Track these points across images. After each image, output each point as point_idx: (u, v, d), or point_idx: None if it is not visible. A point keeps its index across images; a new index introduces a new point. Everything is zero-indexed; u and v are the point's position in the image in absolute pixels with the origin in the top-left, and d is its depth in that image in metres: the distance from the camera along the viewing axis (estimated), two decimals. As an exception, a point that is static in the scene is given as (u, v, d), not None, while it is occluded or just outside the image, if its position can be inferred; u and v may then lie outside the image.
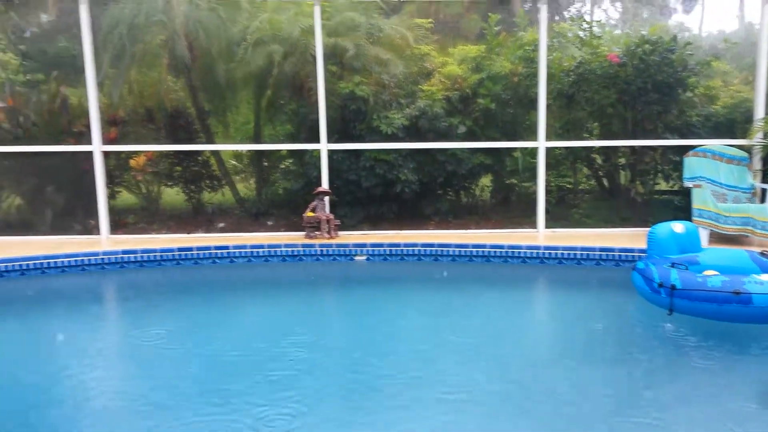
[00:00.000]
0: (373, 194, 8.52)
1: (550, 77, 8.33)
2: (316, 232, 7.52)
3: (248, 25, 8.94)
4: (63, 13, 9.93)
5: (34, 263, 6.43)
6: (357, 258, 7.09)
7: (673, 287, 4.40)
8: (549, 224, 8.09)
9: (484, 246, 6.94)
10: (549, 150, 8.36)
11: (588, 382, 3.57)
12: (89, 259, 6.65)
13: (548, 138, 8.02)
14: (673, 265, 4.59)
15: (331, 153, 8.15)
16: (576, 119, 8.81)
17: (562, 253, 6.73)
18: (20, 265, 6.35)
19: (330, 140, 8.04)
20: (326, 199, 7.78)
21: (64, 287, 6.21)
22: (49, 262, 6.48)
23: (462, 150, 8.57)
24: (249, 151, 10.20)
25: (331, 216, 7.60)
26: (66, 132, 8.80)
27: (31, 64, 10.17)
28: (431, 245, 7.04)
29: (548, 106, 8.11)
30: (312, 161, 8.44)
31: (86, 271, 6.59)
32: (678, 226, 5.03)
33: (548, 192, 8.44)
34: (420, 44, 9.56)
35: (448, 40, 10.51)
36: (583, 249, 6.69)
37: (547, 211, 8.13)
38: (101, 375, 3.84)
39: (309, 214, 7.57)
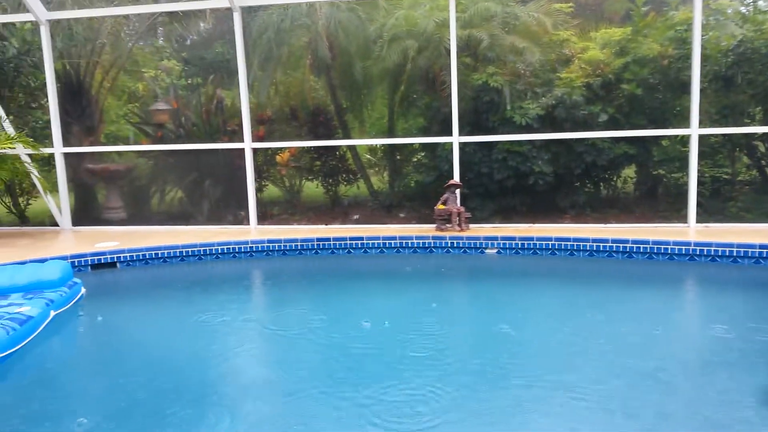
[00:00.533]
0: (506, 186, 8.37)
1: (705, 58, 7.61)
2: (447, 225, 7.56)
3: (385, 23, 9.17)
4: (219, 21, 10.88)
5: (193, 250, 7.14)
6: (488, 251, 7.02)
7: None
8: (701, 218, 7.41)
9: (625, 241, 6.53)
10: (703, 138, 7.64)
11: (738, 394, 3.24)
12: (239, 247, 7.25)
13: (702, 125, 7.34)
14: None
15: (463, 146, 8.13)
16: (735, 103, 7.97)
17: (716, 250, 6.14)
18: (181, 252, 7.09)
19: (462, 133, 8.02)
20: (457, 191, 7.78)
21: (218, 272, 6.83)
22: (205, 250, 7.17)
23: (603, 140, 8.12)
24: (383, 145, 10.48)
25: (462, 209, 7.58)
26: (221, 131, 9.65)
27: (191, 70, 11.29)
28: (566, 239, 6.77)
29: (702, 90, 7.42)
30: (443, 154, 8.48)
31: (237, 258, 7.19)
32: None
33: (701, 183, 7.74)
34: (559, 30, 9.18)
35: (589, 24, 9.95)
36: (740, 246, 6.05)
37: (700, 205, 7.45)
38: (246, 352, 4.20)
39: (440, 206, 7.62)
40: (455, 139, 7.92)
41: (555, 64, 8.95)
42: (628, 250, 6.50)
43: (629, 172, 9.17)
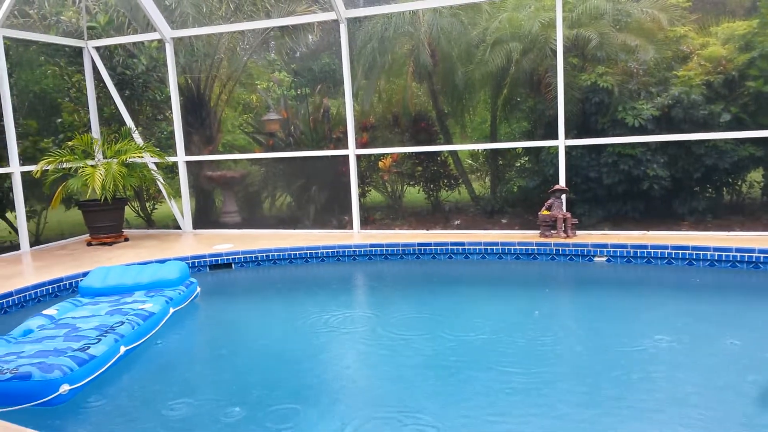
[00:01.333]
0: (616, 192, 8.00)
1: None
2: (552, 231, 7.33)
3: (488, 26, 9.09)
4: (326, 33, 11.31)
5: (300, 253, 7.45)
6: (597, 259, 6.73)
7: None
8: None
9: (752, 250, 6.02)
10: None
11: None
12: (343, 251, 7.47)
13: None
14: None
15: (570, 149, 7.86)
16: None
17: None
18: (289, 254, 7.42)
19: (569, 136, 7.76)
20: (563, 197, 7.53)
21: (323, 274, 7.08)
22: (311, 252, 7.45)
23: (726, 141, 7.54)
24: (485, 150, 10.37)
25: (569, 214, 7.33)
26: (327, 138, 10.00)
27: (299, 81, 11.80)
28: (684, 248, 6.34)
29: None
30: (548, 158, 8.25)
31: (341, 261, 7.41)
32: None
33: None
34: (675, 26, 8.65)
35: (709, 18, 9.29)
36: None
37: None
38: (342, 350, 4.33)
39: (544, 212, 7.41)
40: (561, 142, 7.68)
41: (671, 61, 8.44)
42: (754, 260, 5.98)
43: (756, 175, 8.44)
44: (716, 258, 6.18)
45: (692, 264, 6.28)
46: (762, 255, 5.96)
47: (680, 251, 6.35)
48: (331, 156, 9.44)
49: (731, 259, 6.10)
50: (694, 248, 6.29)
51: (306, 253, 7.45)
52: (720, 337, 4.23)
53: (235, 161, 10.80)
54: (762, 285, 5.71)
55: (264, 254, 7.35)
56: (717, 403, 3.18)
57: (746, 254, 6.04)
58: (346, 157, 8.70)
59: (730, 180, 8.27)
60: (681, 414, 3.07)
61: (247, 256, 7.30)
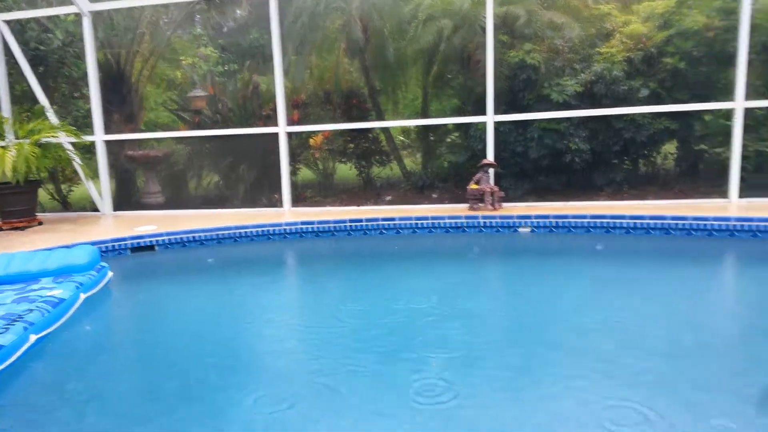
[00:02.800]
0: (540, 165, 8.23)
1: (754, 29, 7.25)
2: (480, 204, 7.48)
3: (420, 2, 9.07)
4: (254, 8, 10.99)
5: (229, 233, 7.27)
6: (521, 230, 6.92)
7: None
8: (744, 194, 7.12)
9: (664, 218, 6.34)
10: (748, 111, 7.32)
11: (747, 370, 3.11)
12: (273, 229, 7.35)
13: (748, 97, 7.03)
14: None
15: (498, 125, 8.00)
16: (785, 74, 7.58)
17: (758, 225, 5.89)
18: (217, 235, 7.23)
19: (497, 112, 7.89)
20: (491, 171, 7.68)
21: (253, 253, 6.95)
22: (240, 232, 7.30)
23: (643, 115, 7.87)
24: (416, 126, 10.42)
25: (496, 188, 7.49)
26: (256, 116, 9.78)
27: (227, 56, 11.45)
28: (602, 216, 6.61)
29: (749, 62, 7.08)
30: (477, 134, 8.38)
31: (271, 240, 7.30)
32: None
33: (745, 158, 7.42)
34: (600, 4, 8.91)
35: (631, -3, 9.63)
36: (786, 221, 5.81)
37: (743, 180, 7.15)
38: (276, 327, 4.28)
39: (473, 186, 7.54)
40: (490, 118, 7.81)
41: (595, 39, 8.71)
42: (666, 226, 6.31)
43: (670, 148, 8.88)
44: (632, 226, 6.47)
45: (609, 232, 6.56)
46: (672, 222, 6.29)
47: (599, 220, 6.62)
48: (261, 134, 9.24)
49: (645, 226, 6.41)
50: (612, 217, 6.57)
51: (235, 233, 7.29)
52: (630, 296, 4.46)
53: (158, 140, 10.41)
54: (671, 249, 6.04)
55: (190, 235, 7.14)
56: (637, 351, 3.34)
57: (659, 221, 6.35)
58: (277, 134, 8.53)
59: (646, 152, 8.66)
60: (604, 369, 3.20)
61: (172, 237, 7.07)
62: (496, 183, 7.80)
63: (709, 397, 2.81)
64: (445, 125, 9.76)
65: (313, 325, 4.28)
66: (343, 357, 3.54)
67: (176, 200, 10.00)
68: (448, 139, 9.90)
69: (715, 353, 3.40)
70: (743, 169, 7.26)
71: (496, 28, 7.87)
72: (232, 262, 6.61)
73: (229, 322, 4.40)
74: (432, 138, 10.16)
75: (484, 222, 7.06)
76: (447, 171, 9.42)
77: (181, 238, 7.10)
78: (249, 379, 3.30)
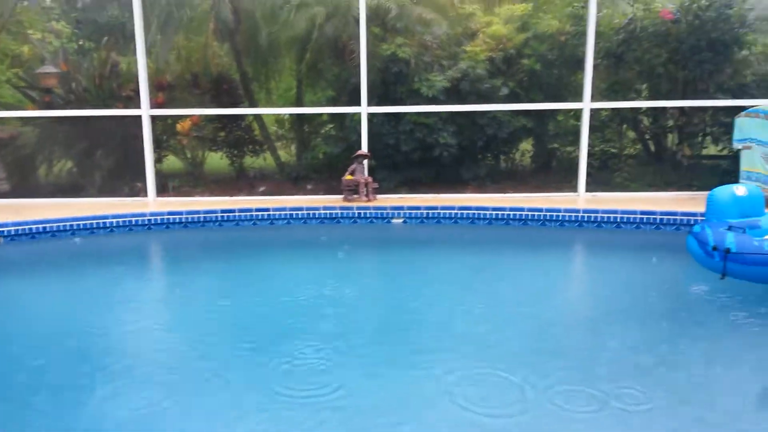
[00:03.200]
0: (412, 158, 8.50)
1: (599, 35, 8.05)
2: (355, 195, 7.58)
3: (293, -13, 8.94)
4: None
5: (84, 224, 6.72)
6: (394, 221, 7.13)
7: (728, 251, 4.23)
8: (590, 188, 7.91)
9: (521, 209, 6.85)
10: (594, 112, 8.11)
11: (618, 341, 3.52)
12: (136, 220, 6.92)
13: (594, 99, 7.78)
14: (730, 228, 4.41)
15: (371, 117, 8.14)
16: (624, 80, 8.48)
17: (602, 217, 6.58)
18: (71, 225, 6.66)
19: (370, 104, 8.02)
20: (365, 162, 7.80)
21: (112, 246, 6.49)
22: (98, 223, 6.78)
23: (504, 113, 8.41)
24: (290, 116, 10.29)
25: (370, 179, 7.63)
26: (115, 97, 9.08)
27: (82, 32, 10.48)
28: (468, 208, 7.00)
29: (595, 66, 7.83)
30: (352, 125, 8.47)
31: (133, 231, 6.86)
32: (740, 189, 4.72)
33: (591, 155, 8.23)
34: (465, 3, 9.36)
35: None
36: (623, 212, 6.53)
37: (589, 175, 7.93)
38: (142, 326, 4.04)
39: (348, 177, 7.62)
40: (363, 109, 7.91)
41: (461, 37, 9.13)
42: (523, 217, 6.83)
43: (527, 146, 9.59)
44: (494, 217, 6.92)
45: (474, 223, 6.96)
46: (529, 213, 6.82)
47: (465, 211, 7.00)
48: (121, 117, 8.61)
49: (505, 217, 6.89)
50: (477, 208, 6.98)
51: (92, 224, 6.75)
52: (492, 281, 4.79)
53: (1, 120, 9.32)
54: (522, 237, 6.56)
55: (40, 226, 6.51)
56: (492, 326, 3.59)
57: (517, 212, 6.86)
58: (139, 118, 8.01)
59: (506, 149, 9.29)
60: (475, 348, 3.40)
61: (18, 228, 6.40)
62: (370, 175, 7.95)
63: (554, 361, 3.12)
64: (320, 116, 9.74)
65: (176, 321, 4.11)
66: (212, 350, 3.45)
67: (23, 188, 9.00)
68: (323, 131, 9.89)
69: (563, 326, 3.76)
70: (590, 165, 8.04)
71: (369, 20, 7.98)
72: (88, 255, 6.12)
73: (80, 320, 4.07)
74: (307, 129, 10.09)
75: (359, 213, 7.17)
76: (322, 162, 9.41)
77: (30, 229, 6.46)
78: (102, 374, 3.10)
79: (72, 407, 2.81)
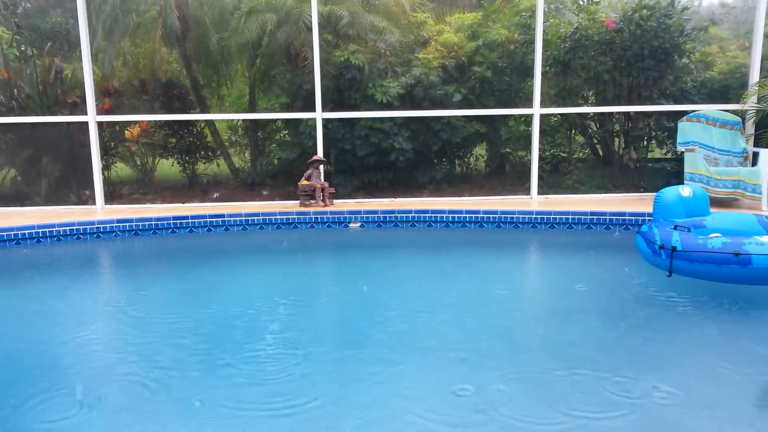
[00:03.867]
0: (368, 163, 8.53)
1: (547, 44, 8.29)
2: (311, 201, 7.54)
3: (242, -7, 8.87)
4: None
5: (30, 232, 6.46)
6: (351, 225, 7.12)
7: (674, 249, 4.39)
8: (542, 191, 8.11)
9: (477, 212, 6.96)
10: (544, 118, 8.34)
11: (573, 336, 3.62)
12: (84, 228, 6.68)
13: (543, 105, 8.00)
14: (675, 227, 4.59)
15: (326, 122, 8.13)
16: (571, 86, 8.76)
17: (554, 218, 6.76)
18: (15, 234, 6.39)
19: (325, 109, 8.01)
20: (321, 167, 7.78)
21: (59, 255, 6.24)
22: (44, 231, 6.52)
23: (457, 118, 8.55)
24: (244, 123, 10.17)
25: (326, 184, 7.61)
26: (60, 103, 8.77)
27: (24, 38, 10.10)
28: (425, 211, 7.07)
29: (544, 74, 8.07)
30: (307, 131, 8.44)
31: (81, 240, 6.63)
32: (686, 190, 4.93)
33: (542, 159, 8.46)
34: (417, 12, 9.49)
35: (444, 8, 10.41)
36: (574, 213, 6.73)
37: (541, 178, 8.14)
38: (96, 338, 3.90)
39: (304, 182, 7.58)
40: (318, 115, 7.90)
41: (413, 45, 9.25)
42: (479, 220, 6.95)
43: (480, 150, 9.76)
44: (450, 219, 7.01)
45: (431, 225, 7.03)
46: (485, 215, 6.94)
47: (422, 214, 7.07)
48: (67, 123, 8.32)
49: (462, 220, 6.99)
50: (433, 211, 7.06)
51: (37, 233, 6.49)
52: (448, 283, 4.85)
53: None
54: (483, 239, 6.66)
55: (-21, 235, 6.21)
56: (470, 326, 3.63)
57: (473, 215, 6.97)
58: (85, 124, 7.76)
59: (461, 154, 9.44)
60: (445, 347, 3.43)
61: (-44, 238, 6.09)
62: (327, 180, 7.92)
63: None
64: (274, 122, 9.66)
65: (123, 330, 3.97)
66: (160, 361, 3.36)
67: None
68: (278, 137, 9.82)
69: (513, 323, 3.84)
70: (541, 169, 8.25)
71: (321, 26, 7.99)
72: (31, 265, 5.86)
73: (28, 333, 3.90)
74: (261, 135, 9.99)
75: (316, 218, 7.14)
76: (277, 168, 9.33)
77: (-32, 240, 6.15)
78: (47, 385, 2.98)
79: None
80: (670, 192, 4.94)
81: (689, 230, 4.55)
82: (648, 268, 4.85)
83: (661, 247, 4.51)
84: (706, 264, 4.26)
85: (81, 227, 6.68)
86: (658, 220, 4.87)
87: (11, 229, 6.39)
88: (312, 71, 7.86)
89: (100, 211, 7.66)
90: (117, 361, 3.39)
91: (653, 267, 4.76)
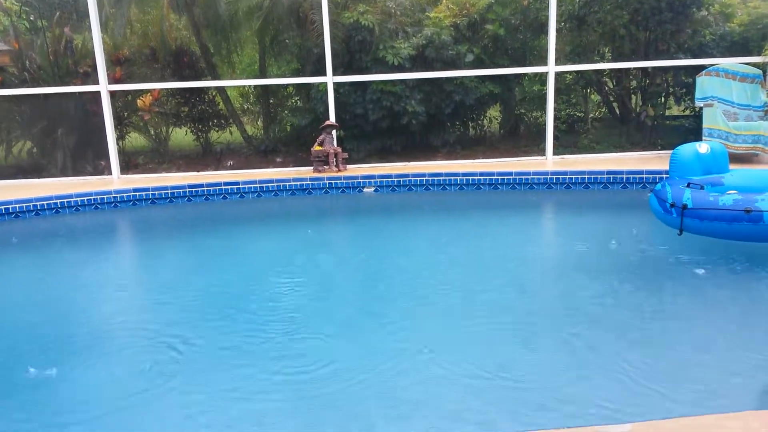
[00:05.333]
0: (381, 127, 8.47)
1: (561, -1, 8.08)
2: (325, 166, 7.54)
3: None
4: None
5: (48, 203, 6.55)
6: (366, 190, 7.12)
7: (684, 207, 4.30)
8: (558, 151, 8.02)
9: (491, 174, 6.92)
10: (559, 76, 8.18)
11: (586, 293, 3.63)
12: (101, 198, 6.76)
13: (559, 63, 7.84)
14: (689, 185, 4.50)
15: (338, 87, 8.06)
16: (587, 43, 8.56)
17: (570, 178, 6.70)
18: (34, 206, 6.48)
19: (336, 73, 7.92)
20: (334, 132, 7.74)
21: (78, 225, 6.34)
22: (62, 202, 6.61)
23: (470, 79, 8.41)
24: (255, 89, 10.11)
25: (339, 149, 7.58)
26: (72, 73, 8.77)
27: (33, 9, 10.05)
28: (439, 174, 7.04)
29: (558, 30, 7.88)
30: (318, 96, 8.37)
31: (99, 210, 6.71)
32: (703, 147, 4.75)
33: (557, 119, 8.33)
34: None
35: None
36: (591, 173, 6.65)
37: (556, 138, 8.03)
38: (116, 304, 3.99)
39: (317, 147, 7.56)
40: (329, 79, 7.82)
41: (424, 3, 9.05)
42: (494, 182, 6.91)
43: (494, 112, 9.63)
44: (465, 182, 6.98)
45: (446, 189, 7.01)
46: (499, 177, 6.90)
47: (436, 178, 7.04)
48: (80, 93, 8.34)
49: (476, 182, 6.95)
50: (447, 174, 7.03)
51: (56, 203, 6.58)
52: (476, 240, 4.85)
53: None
54: (500, 201, 6.63)
55: (2, 207, 6.31)
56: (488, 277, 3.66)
57: (487, 177, 6.93)
58: (98, 94, 7.78)
59: (474, 116, 9.32)
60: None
61: (-23, 210, 6.20)
62: (339, 145, 7.90)
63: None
64: (285, 89, 9.60)
65: (153, 297, 4.05)
66: (192, 326, 3.43)
67: (-22, 170, 8.71)
68: (289, 103, 9.77)
69: (529, 279, 3.86)
70: (557, 129, 8.14)
71: (329, -14, 7.84)
72: (54, 234, 5.97)
73: (58, 301, 4.00)
74: (272, 101, 9.94)
75: (330, 183, 7.14)
76: (290, 134, 9.31)
77: (-10, 212, 6.25)
78: (89, 353, 3.07)
79: (50, 384, 2.77)
80: (686, 149, 4.79)
81: (702, 188, 4.45)
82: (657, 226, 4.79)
83: (672, 205, 4.41)
84: (716, 221, 4.15)
85: (98, 197, 6.76)
86: (674, 179, 4.77)
87: (29, 201, 6.48)
88: (321, 34, 7.75)
89: (117, 180, 7.73)
90: (120, 320, 3.48)
91: (666, 225, 4.70)
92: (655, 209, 4.72)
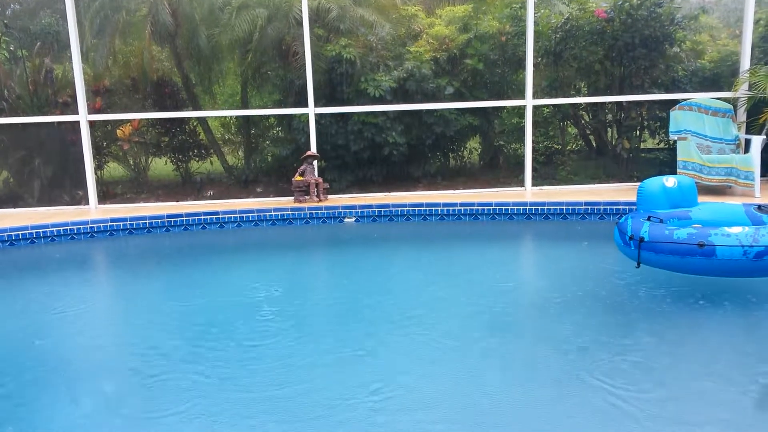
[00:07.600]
0: (362, 158, 8.52)
1: (538, 35, 8.29)
2: (306, 196, 7.53)
3: (232, -11, 8.83)
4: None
5: (23, 233, 6.43)
6: (347, 220, 7.12)
7: (642, 240, 4.31)
8: (537, 182, 8.13)
9: (471, 204, 6.97)
10: (536, 109, 8.34)
11: (568, 327, 3.64)
12: (78, 228, 6.66)
13: (536, 97, 8.00)
14: (649, 218, 4.53)
15: (319, 117, 8.11)
16: (563, 77, 8.77)
17: (549, 209, 6.78)
18: (8, 236, 6.36)
19: (317, 105, 7.99)
20: (315, 163, 7.77)
21: (54, 255, 6.22)
22: (38, 232, 6.49)
23: (450, 111, 8.54)
24: (237, 120, 10.13)
25: (320, 179, 7.60)
26: (51, 103, 8.73)
27: (13, 39, 10.03)
28: (420, 205, 7.07)
29: (536, 65, 8.06)
30: (300, 126, 8.41)
31: (75, 240, 6.61)
32: (670, 180, 4.77)
33: (536, 151, 8.46)
34: (407, 5, 9.46)
35: (434, 1, 10.40)
36: (569, 204, 6.74)
37: (535, 170, 8.15)
38: (91, 335, 3.90)
39: (298, 178, 7.56)
40: (311, 110, 7.88)
41: (405, 38, 9.23)
42: (474, 212, 6.96)
43: (474, 143, 9.76)
44: (445, 213, 7.02)
45: (426, 219, 7.04)
46: (479, 207, 6.96)
47: (416, 208, 7.07)
48: (59, 123, 8.27)
49: (457, 213, 7.00)
50: (428, 205, 7.07)
51: (31, 233, 6.46)
52: (458, 273, 4.84)
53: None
54: (479, 231, 6.68)
55: (-27, 237, 6.18)
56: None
57: (468, 208, 6.98)
58: (77, 124, 7.73)
59: (455, 147, 9.44)
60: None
61: (-51, 240, 6.06)
62: (321, 175, 7.91)
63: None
64: (267, 119, 9.63)
65: (126, 330, 3.97)
66: (166, 355, 3.36)
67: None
68: (271, 133, 9.79)
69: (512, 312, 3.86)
70: (535, 161, 8.26)
71: (311, 20, 7.95)
72: (27, 266, 5.84)
73: (26, 332, 3.90)
74: (254, 132, 9.96)
75: (311, 213, 7.13)
76: (271, 165, 9.31)
77: (-39, 242, 6.12)
78: (60, 382, 2.98)
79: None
80: (652, 183, 4.76)
81: (661, 221, 4.45)
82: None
83: (631, 238, 4.41)
84: (671, 255, 4.15)
85: (75, 227, 6.66)
86: (639, 212, 4.74)
87: (5, 231, 6.36)
88: (303, 66, 7.84)
89: (94, 210, 7.64)
90: (96, 352, 3.39)
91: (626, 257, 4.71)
92: (617, 241, 4.70)
